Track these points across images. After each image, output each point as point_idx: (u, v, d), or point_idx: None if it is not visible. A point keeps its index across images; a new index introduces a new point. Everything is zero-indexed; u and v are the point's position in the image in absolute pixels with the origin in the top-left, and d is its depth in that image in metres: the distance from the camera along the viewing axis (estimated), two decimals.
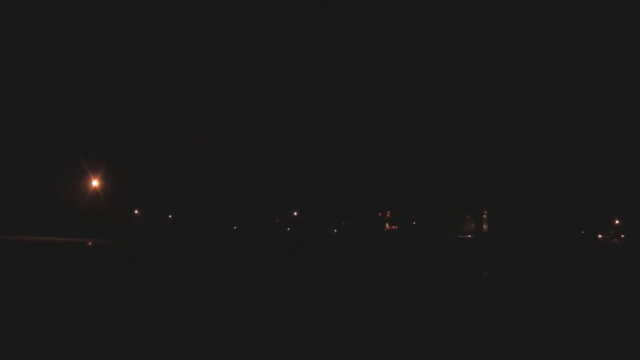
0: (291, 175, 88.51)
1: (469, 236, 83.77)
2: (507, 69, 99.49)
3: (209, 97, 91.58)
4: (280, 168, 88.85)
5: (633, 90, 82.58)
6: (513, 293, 19.20)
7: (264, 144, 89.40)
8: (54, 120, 71.81)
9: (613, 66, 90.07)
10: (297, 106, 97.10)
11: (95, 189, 61.65)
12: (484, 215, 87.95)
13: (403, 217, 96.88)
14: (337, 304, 14.83)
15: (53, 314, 12.47)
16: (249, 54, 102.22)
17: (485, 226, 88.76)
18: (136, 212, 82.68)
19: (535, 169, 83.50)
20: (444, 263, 30.92)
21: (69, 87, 77.28)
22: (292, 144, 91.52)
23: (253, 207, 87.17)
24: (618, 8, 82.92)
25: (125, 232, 57.95)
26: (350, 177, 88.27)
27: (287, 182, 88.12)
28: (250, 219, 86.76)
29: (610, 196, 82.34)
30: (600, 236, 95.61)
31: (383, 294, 15.79)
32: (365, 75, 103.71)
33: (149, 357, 9.64)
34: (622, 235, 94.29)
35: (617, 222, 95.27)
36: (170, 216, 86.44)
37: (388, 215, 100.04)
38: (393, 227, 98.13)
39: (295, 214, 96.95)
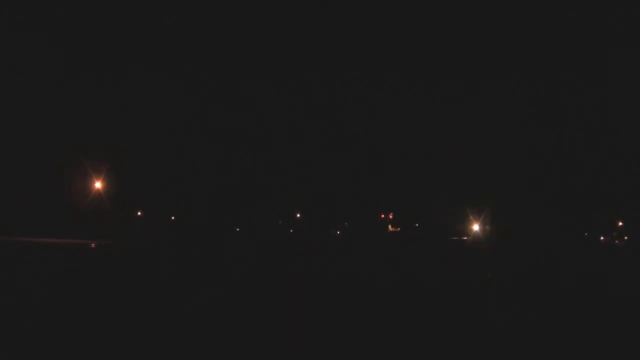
0: (294, 176, 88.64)
1: (464, 238, 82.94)
2: (510, 69, 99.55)
3: (211, 98, 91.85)
4: (283, 169, 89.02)
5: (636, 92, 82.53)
6: (508, 296, 18.99)
7: (268, 145, 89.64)
8: (56, 120, 71.99)
9: (616, 68, 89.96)
10: (299, 107, 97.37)
11: (97, 190, 61.66)
12: (482, 216, 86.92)
13: (405, 219, 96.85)
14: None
15: (55, 316, 12.42)
16: (249, 53, 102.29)
17: (481, 227, 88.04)
18: (139, 213, 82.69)
19: (539, 171, 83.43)
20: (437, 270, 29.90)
21: (71, 87, 77.49)
22: (295, 145, 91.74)
23: (255, 209, 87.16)
24: (619, 9, 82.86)
25: (128, 234, 57.91)
26: (353, 178, 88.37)
27: (290, 184, 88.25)
28: (253, 220, 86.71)
29: (614, 198, 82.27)
30: (602, 238, 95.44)
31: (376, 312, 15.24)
32: (370, 78, 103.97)
33: (148, 357, 9.59)
34: (626, 237, 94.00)
35: (620, 224, 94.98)
36: (172, 217, 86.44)
37: (391, 216, 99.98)
38: (397, 229, 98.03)
39: (298, 215, 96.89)
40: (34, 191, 64.80)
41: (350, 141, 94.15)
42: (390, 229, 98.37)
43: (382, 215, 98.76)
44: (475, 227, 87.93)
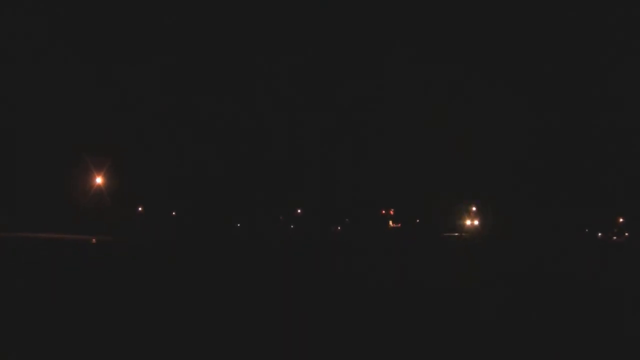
0: (295, 173, 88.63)
1: (455, 234, 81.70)
2: (511, 68, 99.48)
3: (211, 94, 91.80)
4: (284, 165, 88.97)
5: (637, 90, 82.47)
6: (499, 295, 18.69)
7: (269, 141, 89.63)
8: (58, 117, 72.02)
9: (617, 67, 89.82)
10: (300, 102, 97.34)
11: (98, 186, 61.73)
12: (473, 210, 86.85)
13: (406, 215, 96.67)
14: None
15: (55, 311, 12.49)
16: (249, 51, 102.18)
17: (474, 222, 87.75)
18: (139, 209, 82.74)
19: (538, 168, 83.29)
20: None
21: (72, 84, 77.50)
22: (295, 141, 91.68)
23: (256, 205, 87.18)
24: (619, 9, 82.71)
25: (128, 230, 58.01)
26: (352, 175, 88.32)
27: (291, 180, 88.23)
28: (254, 216, 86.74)
29: (615, 195, 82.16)
30: (600, 234, 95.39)
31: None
32: (371, 74, 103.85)
33: (147, 353, 9.65)
34: (626, 234, 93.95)
35: (621, 220, 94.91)
36: (173, 213, 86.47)
37: (392, 212, 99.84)
38: (398, 225, 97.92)
39: (299, 211, 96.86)
40: (35, 187, 64.91)
41: (351, 137, 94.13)
42: (391, 225, 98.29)
43: (383, 212, 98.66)
44: (468, 222, 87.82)
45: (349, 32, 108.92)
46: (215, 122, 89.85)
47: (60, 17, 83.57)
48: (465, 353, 10.38)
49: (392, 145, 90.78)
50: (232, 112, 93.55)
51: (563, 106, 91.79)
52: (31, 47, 74.65)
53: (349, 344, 10.63)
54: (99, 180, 61.25)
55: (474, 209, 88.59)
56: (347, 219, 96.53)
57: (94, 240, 40.92)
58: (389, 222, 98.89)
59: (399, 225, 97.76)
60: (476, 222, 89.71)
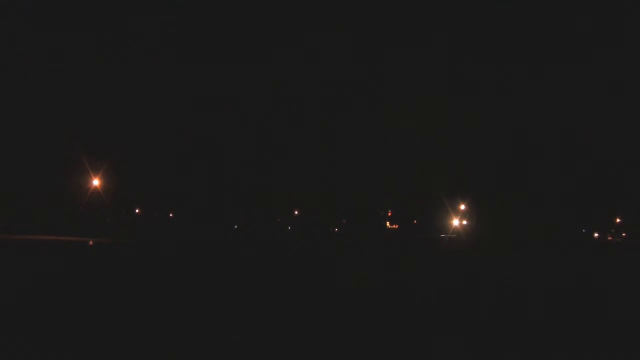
0: (292, 174, 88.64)
1: (442, 235, 78.29)
2: (506, 67, 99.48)
3: (209, 96, 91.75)
4: (282, 167, 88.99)
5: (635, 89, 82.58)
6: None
7: (267, 143, 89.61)
8: (55, 118, 71.91)
9: (615, 64, 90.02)
10: (298, 103, 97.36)
11: (96, 188, 61.64)
12: (462, 209, 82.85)
13: (404, 216, 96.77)
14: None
15: (53, 314, 12.42)
16: (247, 49, 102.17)
17: (464, 222, 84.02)
18: (137, 211, 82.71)
19: (535, 168, 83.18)
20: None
21: (70, 85, 77.41)
22: (293, 143, 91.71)
23: (254, 207, 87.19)
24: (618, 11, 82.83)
25: (126, 231, 57.91)
26: (353, 176, 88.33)
27: (288, 181, 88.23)
28: (252, 218, 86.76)
29: (613, 194, 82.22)
30: (596, 235, 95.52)
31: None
32: (368, 76, 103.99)
33: (146, 355, 9.61)
34: (624, 234, 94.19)
35: (618, 220, 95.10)
36: (171, 215, 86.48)
37: (390, 214, 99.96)
38: (395, 226, 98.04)
39: (297, 213, 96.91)
40: (32, 189, 64.78)
41: (348, 138, 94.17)
42: (389, 226, 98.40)
43: (382, 213, 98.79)
44: (456, 222, 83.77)
45: (352, 25, 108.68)
46: (212, 123, 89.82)
47: (55, 19, 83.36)
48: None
49: (388, 145, 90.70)
50: (230, 113, 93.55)
51: (559, 104, 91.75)
52: (27, 48, 74.50)
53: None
54: (96, 182, 61.17)
55: (462, 207, 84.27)
56: (344, 221, 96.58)
57: (91, 242, 40.81)
58: (386, 224, 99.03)
59: (396, 226, 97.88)
60: (465, 223, 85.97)
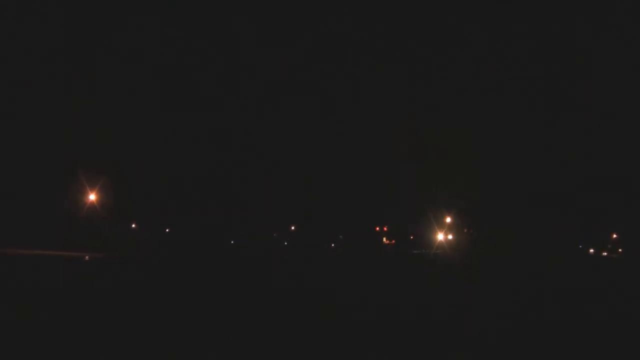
0: (290, 189, 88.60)
1: (423, 251, 74.45)
2: (502, 75, 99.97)
3: (204, 108, 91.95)
4: (278, 182, 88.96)
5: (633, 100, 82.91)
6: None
7: (263, 157, 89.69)
8: (51, 132, 71.87)
9: (613, 75, 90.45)
10: (294, 117, 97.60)
11: (92, 202, 61.44)
12: (448, 221, 77.88)
13: (400, 232, 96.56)
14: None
15: (48, 329, 12.34)
16: (243, 57, 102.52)
17: (448, 237, 79.25)
18: (133, 225, 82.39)
19: (531, 182, 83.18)
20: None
21: (66, 98, 77.44)
22: (290, 157, 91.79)
23: (250, 221, 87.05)
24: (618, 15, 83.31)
25: (122, 246, 57.67)
26: (348, 190, 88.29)
27: (284, 197, 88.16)
28: (248, 233, 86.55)
29: (608, 210, 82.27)
30: (591, 250, 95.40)
31: None
32: (359, 94, 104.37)
33: None
34: (620, 250, 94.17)
35: (614, 236, 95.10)
36: (167, 230, 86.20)
37: (385, 229, 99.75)
38: (392, 241, 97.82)
39: (293, 228, 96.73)
40: (27, 203, 64.53)
41: (344, 153, 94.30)
42: (385, 242, 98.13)
43: (377, 228, 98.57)
44: (440, 236, 78.33)
45: (355, 30, 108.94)
46: (208, 137, 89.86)
47: (45, 37, 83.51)
48: None
49: (385, 160, 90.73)
50: (226, 128, 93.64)
51: (558, 116, 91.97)
52: (24, 60, 74.57)
53: None
54: (92, 196, 61.00)
55: (448, 220, 78.85)
56: (340, 236, 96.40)
57: (87, 257, 40.62)
58: (382, 239, 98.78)
59: (393, 242, 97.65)
60: (450, 237, 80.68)
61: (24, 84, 72.96)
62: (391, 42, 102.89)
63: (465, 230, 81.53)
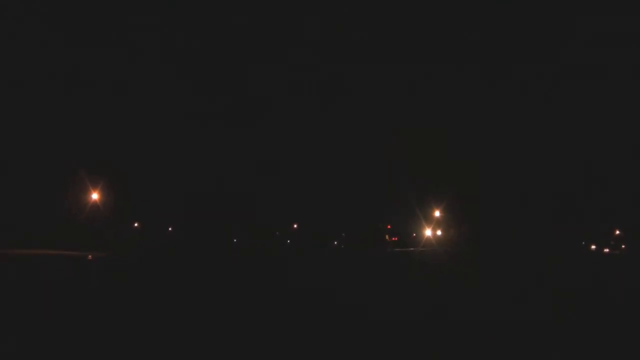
0: (291, 188, 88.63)
1: (411, 249, 69.19)
2: (503, 74, 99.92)
3: (207, 107, 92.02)
4: (280, 180, 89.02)
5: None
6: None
7: (266, 156, 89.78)
8: (53, 131, 71.95)
9: (615, 74, 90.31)
10: (296, 115, 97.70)
11: (95, 201, 61.52)
12: (437, 215, 72.05)
13: (402, 228, 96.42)
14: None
15: (52, 328, 12.38)
16: (248, 61, 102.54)
17: (437, 232, 73.99)
18: (136, 224, 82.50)
19: (532, 178, 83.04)
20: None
21: (69, 98, 77.53)
22: (291, 155, 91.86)
23: (253, 220, 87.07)
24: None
25: (125, 245, 57.77)
26: (350, 188, 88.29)
27: (286, 195, 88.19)
28: (250, 232, 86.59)
29: (611, 207, 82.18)
30: (593, 247, 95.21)
31: None
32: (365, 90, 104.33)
33: None
34: (623, 246, 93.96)
35: (617, 232, 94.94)
36: (170, 229, 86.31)
37: (389, 227, 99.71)
38: (393, 238, 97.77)
39: (295, 226, 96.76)
40: (31, 203, 64.63)
41: (345, 152, 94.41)
42: (388, 239, 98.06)
43: (380, 225, 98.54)
44: (428, 232, 72.56)
45: (353, 30, 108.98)
46: (211, 136, 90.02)
47: (49, 27, 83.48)
48: None
49: (387, 158, 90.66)
50: (229, 126, 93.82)
51: (557, 113, 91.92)
52: (24, 59, 74.69)
53: None
54: (95, 196, 61.07)
55: (437, 214, 71.80)
56: (343, 234, 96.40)
57: (90, 256, 40.70)
58: (385, 236, 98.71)
59: (395, 239, 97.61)
60: (439, 233, 74.41)
61: (26, 82, 73.10)
62: (389, 42, 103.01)
63: (461, 228, 79.31)
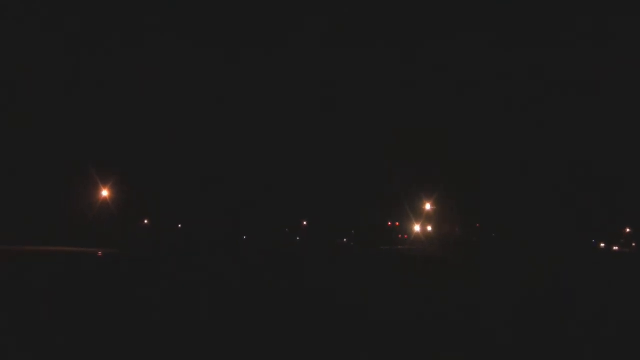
0: (301, 185, 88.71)
1: (399, 246, 65.31)
2: (508, 73, 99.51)
3: (215, 105, 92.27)
4: (290, 178, 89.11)
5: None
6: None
7: (274, 153, 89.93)
8: (63, 129, 72.37)
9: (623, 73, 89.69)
10: (306, 115, 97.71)
11: (104, 198, 61.85)
12: (427, 208, 65.68)
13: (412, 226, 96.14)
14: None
15: (62, 324, 12.52)
16: (255, 56, 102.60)
17: (427, 227, 68.27)
18: (145, 221, 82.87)
19: (540, 176, 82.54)
20: None
21: (78, 95, 77.96)
22: (300, 153, 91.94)
23: (262, 217, 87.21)
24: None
25: (134, 242, 58.03)
26: (360, 186, 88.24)
27: (296, 192, 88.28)
28: (260, 229, 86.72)
29: (621, 205, 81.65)
30: (602, 245, 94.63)
31: None
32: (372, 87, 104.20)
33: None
34: (633, 244, 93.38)
35: (628, 230, 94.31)
36: (179, 225, 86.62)
37: (397, 224, 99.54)
38: (405, 236, 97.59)
39: (305, 223, 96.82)
40: (41, 200, 65.05)
41: (354, 148, 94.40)
42: (399, 237, 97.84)
43: (390, 223, 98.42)
44: (417, 228, 66.36)
45: (351, 33, 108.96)
46: (220, 133, 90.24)
47: (62, 22, 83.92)
48: None
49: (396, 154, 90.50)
50: (238, 123, 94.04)
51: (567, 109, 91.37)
52: (34, 57, 75.08)
53: None
54: (105, 193, 61.40)
55: (428, 207, 64.68)
56: (352, 231, 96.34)
57: (100, 253, 40.97)
58: (397, 235, 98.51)
59: (406, 236, 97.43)
60: (429, 228, 67.42)
61: (38, 79, 73.51)
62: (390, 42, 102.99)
63: (457, 229, 77.03)
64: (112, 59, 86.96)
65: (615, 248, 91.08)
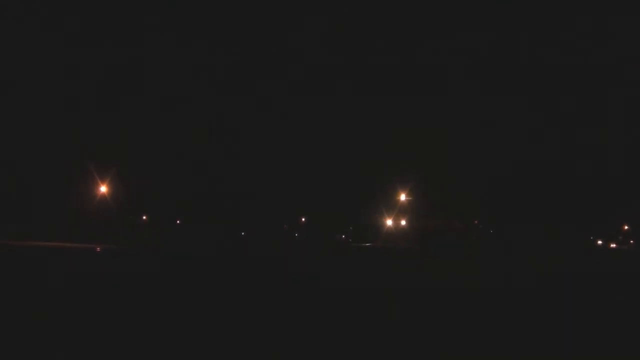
0: (299, 181, 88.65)
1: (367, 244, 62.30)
2: (511, 75, 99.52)
3: (214, 101, 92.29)
4: (289, 173, 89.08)
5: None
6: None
7: (273, 149, 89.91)
8: (63, 125, 72.34)
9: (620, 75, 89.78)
10: (304, 111, 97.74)
11: (103, 194, 61.85)
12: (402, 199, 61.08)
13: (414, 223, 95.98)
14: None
15: (59, 321, 12.53)
16: (257, 57, 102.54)
17: (401, 222, 63.65)
18: (144, 217, 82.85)
19: (539, 176, 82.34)
20: None
21: (77, 90, 77.89)
22: (299, 149, 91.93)
23: (261, 214, 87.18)
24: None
25: (133, 238, 58.05)
26: (361, 183, 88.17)
27: (295, 188, 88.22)
28: (258, 225, 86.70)
29: (619, 202, 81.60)
30: (599, 242, 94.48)
31: None
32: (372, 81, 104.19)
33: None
34: (632, 241, 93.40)
35: (626, 227, 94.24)
36: (178, 221, 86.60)
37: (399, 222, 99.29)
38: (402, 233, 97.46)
39: (303, 219, 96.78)
40: (38, 196, 65.06)
41: (351, 145, 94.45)
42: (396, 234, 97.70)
43: (390, 220, 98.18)
44: (389, 222, 60.64)
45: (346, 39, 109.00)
46: (220, 129, 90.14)
47: (65, 18, 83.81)
48: None
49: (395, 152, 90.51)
50: (237, 120, 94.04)
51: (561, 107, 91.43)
52: (34, 54, 75.06)
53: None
54: (103, 188, 61.39)
55: (402, 197, 58.86)
56: (351, 227, 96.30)
57: (98, 248, 40.98)
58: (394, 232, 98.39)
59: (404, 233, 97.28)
60: (403, 223, 60.30)
61: (37, 73, 73.44)
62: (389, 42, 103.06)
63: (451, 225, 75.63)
64: (112, 58, 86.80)
65: (613, 245, 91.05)
